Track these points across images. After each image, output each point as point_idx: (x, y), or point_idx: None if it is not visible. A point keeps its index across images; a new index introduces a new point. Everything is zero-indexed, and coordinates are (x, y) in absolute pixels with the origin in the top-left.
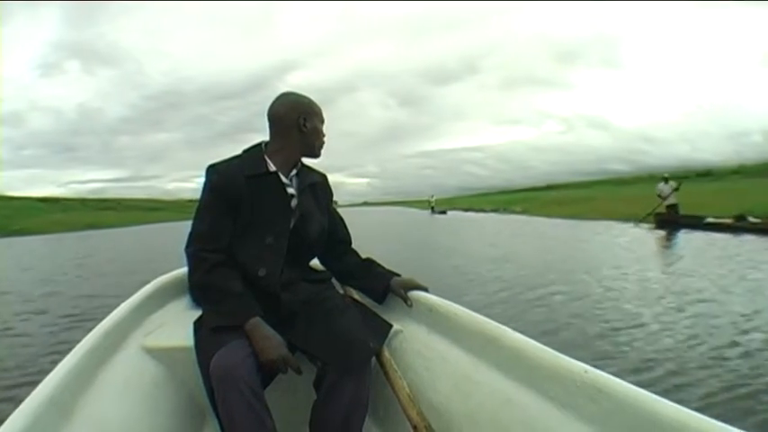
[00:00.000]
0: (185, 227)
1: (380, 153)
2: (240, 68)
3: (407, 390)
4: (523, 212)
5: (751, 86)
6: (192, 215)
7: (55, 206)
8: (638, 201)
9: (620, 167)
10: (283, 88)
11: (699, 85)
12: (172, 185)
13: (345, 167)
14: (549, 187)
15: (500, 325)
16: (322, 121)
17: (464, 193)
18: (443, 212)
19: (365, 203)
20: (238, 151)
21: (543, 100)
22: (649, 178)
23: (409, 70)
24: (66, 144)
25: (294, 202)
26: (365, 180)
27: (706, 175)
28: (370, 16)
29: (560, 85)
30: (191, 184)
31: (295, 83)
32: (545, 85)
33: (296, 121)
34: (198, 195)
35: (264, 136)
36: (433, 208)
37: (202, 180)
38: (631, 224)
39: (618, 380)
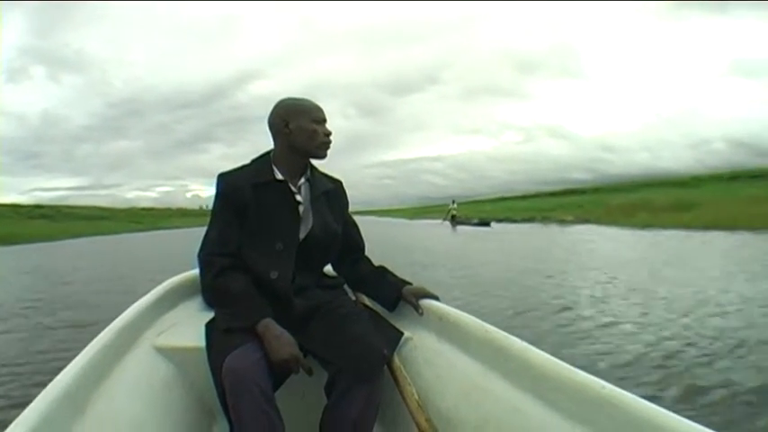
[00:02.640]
0: (138, 239)
1: (340, 163)
2: (201, 78)
3: (417, 397)
4: (585, 221)
5: (713, 96)
6: (143, 225)
7: None
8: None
9: (581, 176)
10: (243, 98)
11: (659, 95)
12: (132, 194)
13: None
14: (571, 192)
15: (509, 335)
16: (315, 120)
17: (425, 202)
18: (485, 224)
19: None
20: (198, 160)
21: (503, 110)
22: (721, 178)
23: (369, 81)
24: (29, 151)
25: (302, 209)
26: None
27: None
28: (330, 27)
29: (520, 96)
30: (151, 194)
31: (255, 93)
32: (505, 96)
33: (279, 126)
34: (158, 204)
35: (224, 145)
36: (453, 217)
37: (162, 189)
38: None
39: (625, 392)
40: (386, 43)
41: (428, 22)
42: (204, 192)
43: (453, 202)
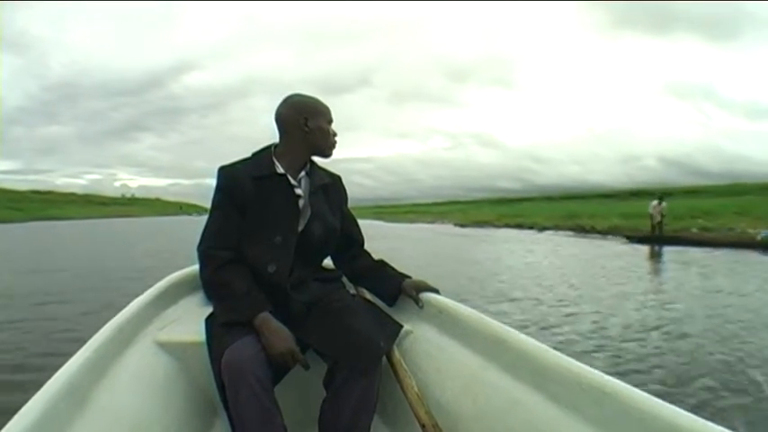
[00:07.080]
0: None
1: None
2: (137, 66)
3: (416, 389)
4: None
5: (646, 114)
6: (23, 213)
7: None
8: None
9: (509, 185)
10: (177, 89)
11: (592, 110)
12: (61, 180)
13: None
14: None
15: (508, 327)
16: (329, 121)
17: (354, 204)
18: None
19: None
20: (128, 149)
21: (432, 116)
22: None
23: (303, 79)
24: None
25: (302, 203)
26: None
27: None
28: (270, 24)
29: (450, 102)
30: (81, 181)
31: (190, 84)
32: (434, 102)
33: (298, 122)
34: (87, 191)
35: (154, 135)
36: (656, 228)
37: (91, 177)
38: None
39: (623, 384)
40: (321, 43)
41: (363, 24)
42: (133, 181)
43: (661, 198)
